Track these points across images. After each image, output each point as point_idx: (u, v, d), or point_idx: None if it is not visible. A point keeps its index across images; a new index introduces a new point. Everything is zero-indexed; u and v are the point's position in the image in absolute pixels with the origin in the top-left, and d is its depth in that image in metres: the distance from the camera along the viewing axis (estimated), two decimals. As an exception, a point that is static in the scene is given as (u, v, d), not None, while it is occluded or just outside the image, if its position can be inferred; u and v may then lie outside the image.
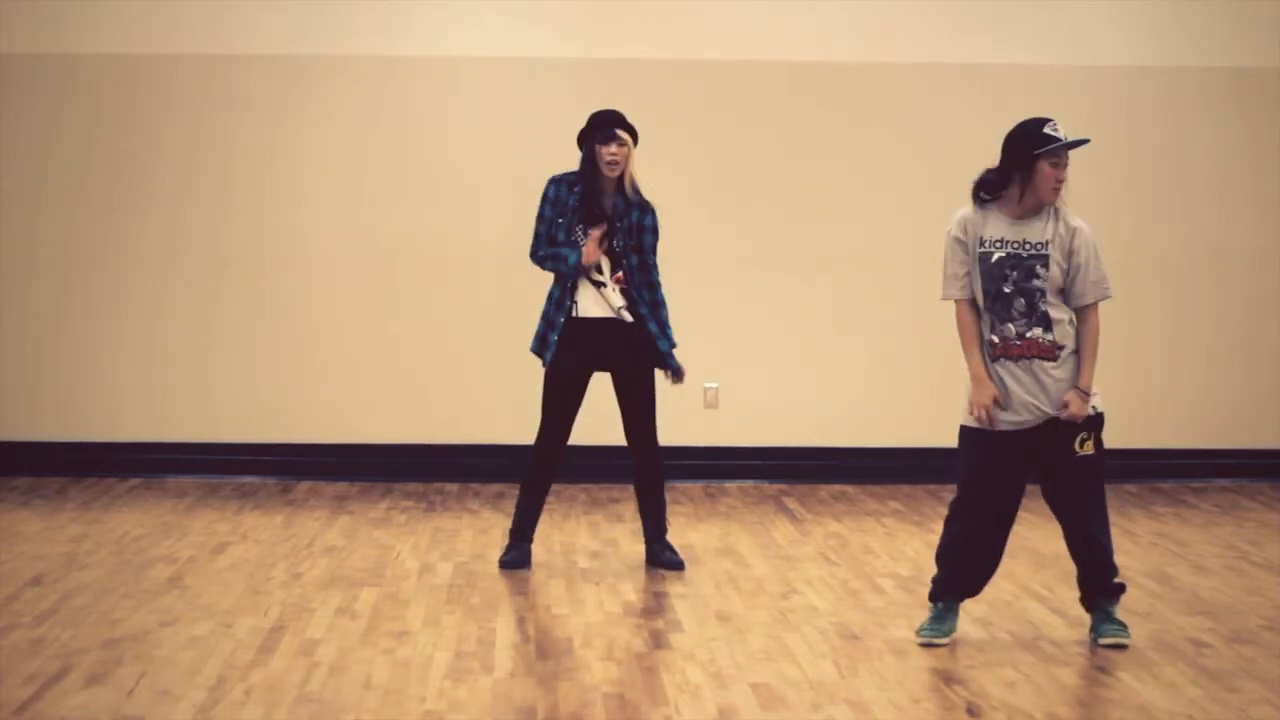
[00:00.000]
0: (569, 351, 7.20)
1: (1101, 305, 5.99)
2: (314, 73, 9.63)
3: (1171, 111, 9.85)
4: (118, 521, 8.30)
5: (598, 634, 6.17)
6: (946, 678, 5.65)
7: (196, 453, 9.64)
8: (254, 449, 9.66)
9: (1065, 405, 5.90)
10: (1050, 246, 5.91)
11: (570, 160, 7.29)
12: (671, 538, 7.48)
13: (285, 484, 9.46)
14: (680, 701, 5.32)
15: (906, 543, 7.98)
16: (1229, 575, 7.30)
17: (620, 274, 7.18)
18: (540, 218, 7.25)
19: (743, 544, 7.92)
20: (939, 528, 6.32)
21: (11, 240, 9.60)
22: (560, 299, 7.21)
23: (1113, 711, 5.34)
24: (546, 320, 7.25)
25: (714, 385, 9.75)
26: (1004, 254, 5.93)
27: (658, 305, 7.24)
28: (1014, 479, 6.02)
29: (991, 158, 6.03)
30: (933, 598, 6.15)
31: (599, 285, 7.18)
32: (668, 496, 7.54)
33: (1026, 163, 5.89)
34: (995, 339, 5.97)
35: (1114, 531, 6.21)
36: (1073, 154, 5.97)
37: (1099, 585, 6.10)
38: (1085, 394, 5.92)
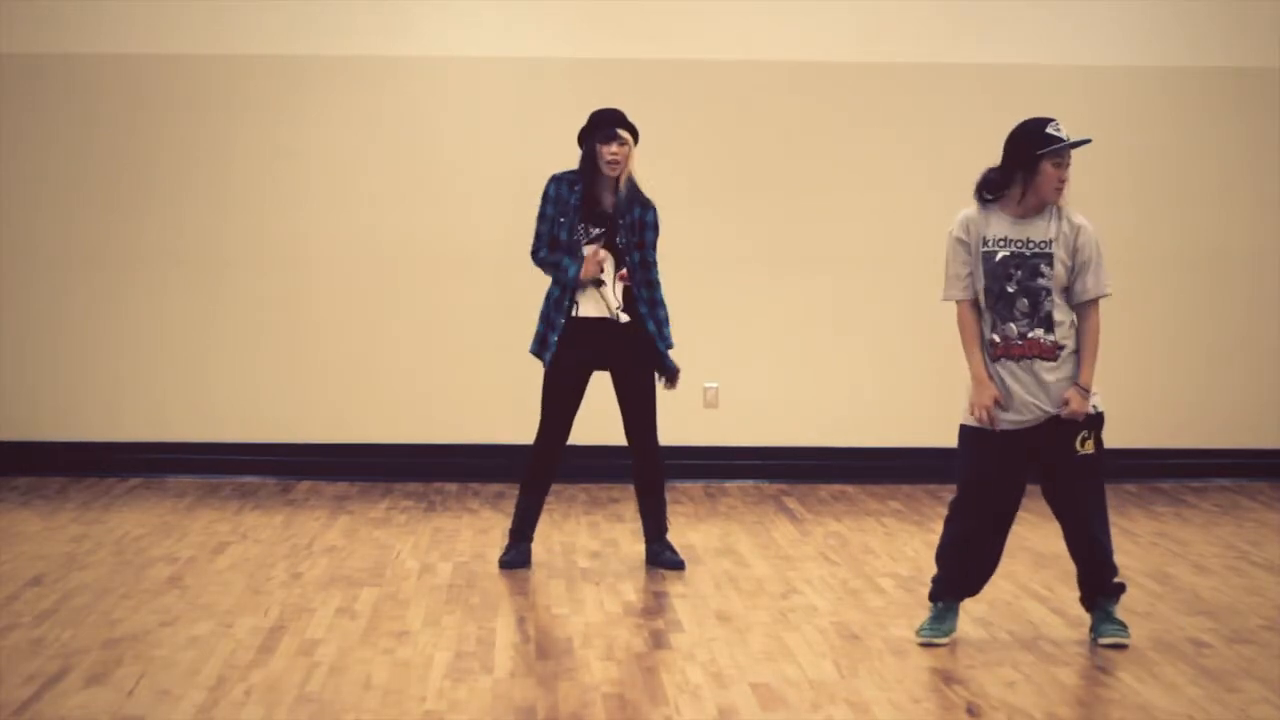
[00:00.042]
0: (569, 351, 7.20)
1: (1102, 304, 5.99)
2: (314, 73, 9.63)
3: (1171, 111, 9.85)
4: (118, 521, 8.30)
5: (598, 634, 6.17)
6: (946, 678, 5.65)
7: (196, 453, 9.64)
8: (254, 449, 9.67)
9: (1065, 402, 5.91)
10: (1054, 245, 5.91)
11: (570, 160, 7.29)
12: (671, 538, 7.48)
13: (285, 484, 9.46)
14: (680, 701, 5.32)
15: (906, 543, 7.98)
16: (1229, 575, 7.30)
17: (624, 271, 7.18)
18: (541, 217, 7.24)
19: (743, 544, 7.93)
20: (939, 528, 6.32)
21: (11, 240, 9.61)
22: (560, 299, 7.21)
23: (1113, 711, 5.34)
24: (546, 321, 7.25)
25: (714, 385, 9.75)
26: (1008, 253, 5.93)
27: (656, 304, 7.24)
28: (1014, 479, 6.02)
29: (991, 158, 6.03)
30: (933, 597, 6.15)
31: (599, 284, 7.17)
32: (668, 496, 7.54)
33: (1029, 163, 5.89)
34: (996, 338, 5.97)
35: (1114, 531, 6.21)
36: (1073, 153, 5.97)
37: (1099, 585, 6.10)
38: (1085, 391, 5.92)
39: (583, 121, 7.23)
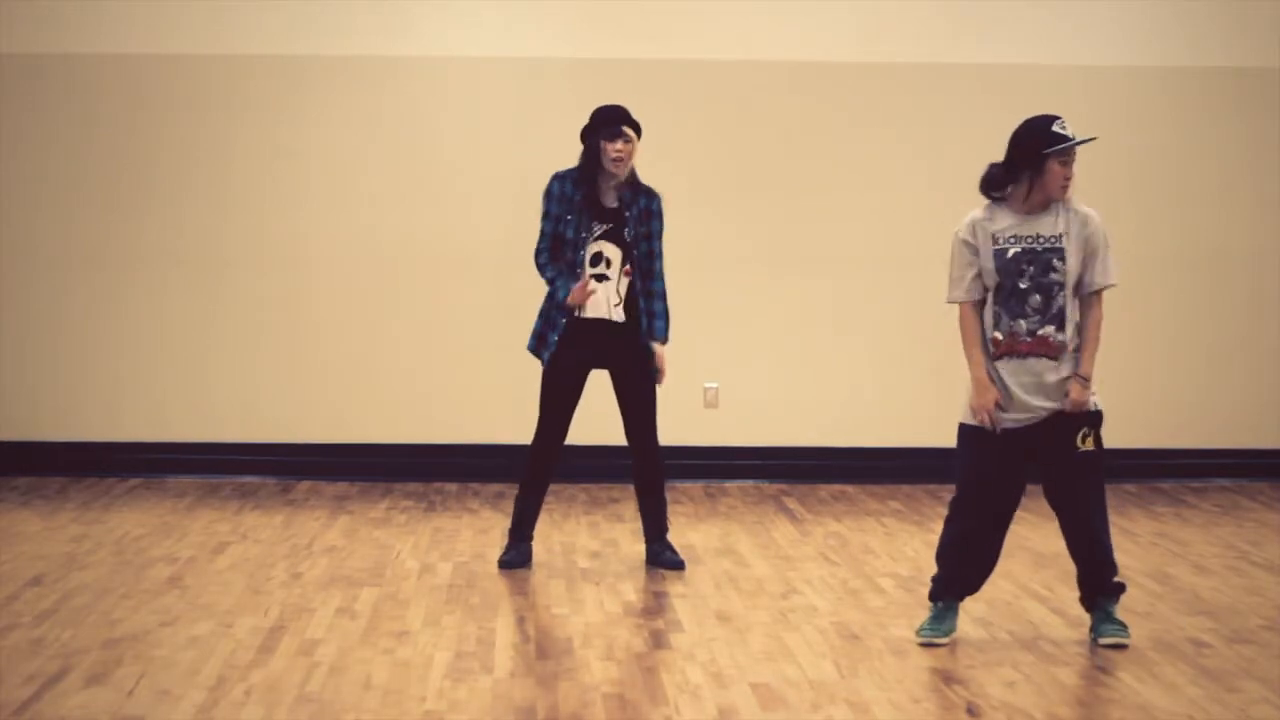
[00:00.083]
0: (568, 351, 7.19)
1: (1102, 304, 6.00)
2: (314, 73, 9.63)
3: (1171, 111, 9.86)
4: (118, 521, 8.30)
5: (598, 634, 6.17)
6: (946, 678, 5.65)
7: (196, 453, 9.64)
8: (254, 449, 9.67)
9: (1066, 394, 5.91)
10: (1065, 239, 5.92)
11: (570, 159, 7.28)
12: (671, 538, 7.48)
13: (285, 484, 9.46)
14: (680, 701, 5.32)
15: (906, 543, 7.98)
16: (1229, 575, 7.30)
17: (629, 266, 7.18)
18: (546, 216, 7.21)
19: (743, 544, 7.93)
20: (939, 528, 6.32)
21: (11, 240, 9.61)
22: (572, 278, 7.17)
23: (1113, 711, 5.34)
24: (546, 319, 7.23)
25: (714, 385, 9.75)
26: (1019, 249, 5.92)
27: (654, 296, 7.21)
28: (1014, 478, 6.02)
29: (991, 158, 6.03)
30: (933, 597, 6.15)
31: (603, 279, 7.16)
32: (668, 496, 7.54)
33: (1036, 161, 5.89)
34: (999, 335, 5.95)
35: (1114, 531, 6.21)
36: (1075, 151, 5.98)
37: (1099, 584, 6.10)
38: (1086, 381, 5.92)
39: (582, 121, 7.23)
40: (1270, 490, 9.58)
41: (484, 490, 9.29)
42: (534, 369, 7.34)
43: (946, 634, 6.08)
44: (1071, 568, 6.21)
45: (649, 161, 7.35)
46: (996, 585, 6.77)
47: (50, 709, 5.17)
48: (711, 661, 5.79)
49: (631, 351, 7.21)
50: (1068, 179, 5.93)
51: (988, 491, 6.03)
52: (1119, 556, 6.27)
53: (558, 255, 7.20)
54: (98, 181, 9.61)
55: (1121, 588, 6.13)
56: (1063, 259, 5.91)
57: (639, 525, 7.59)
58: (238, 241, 9.64)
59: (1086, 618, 6.19)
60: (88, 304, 9.65)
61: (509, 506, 7.77)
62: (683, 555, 7.40)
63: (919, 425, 9.49)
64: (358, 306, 9.68)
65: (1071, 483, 6.02)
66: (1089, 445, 5.96)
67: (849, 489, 9.50)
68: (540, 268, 7.23)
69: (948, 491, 6.39)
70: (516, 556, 7.33)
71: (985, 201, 6.05)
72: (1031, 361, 5.93)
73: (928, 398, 9.29)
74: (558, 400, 7.25)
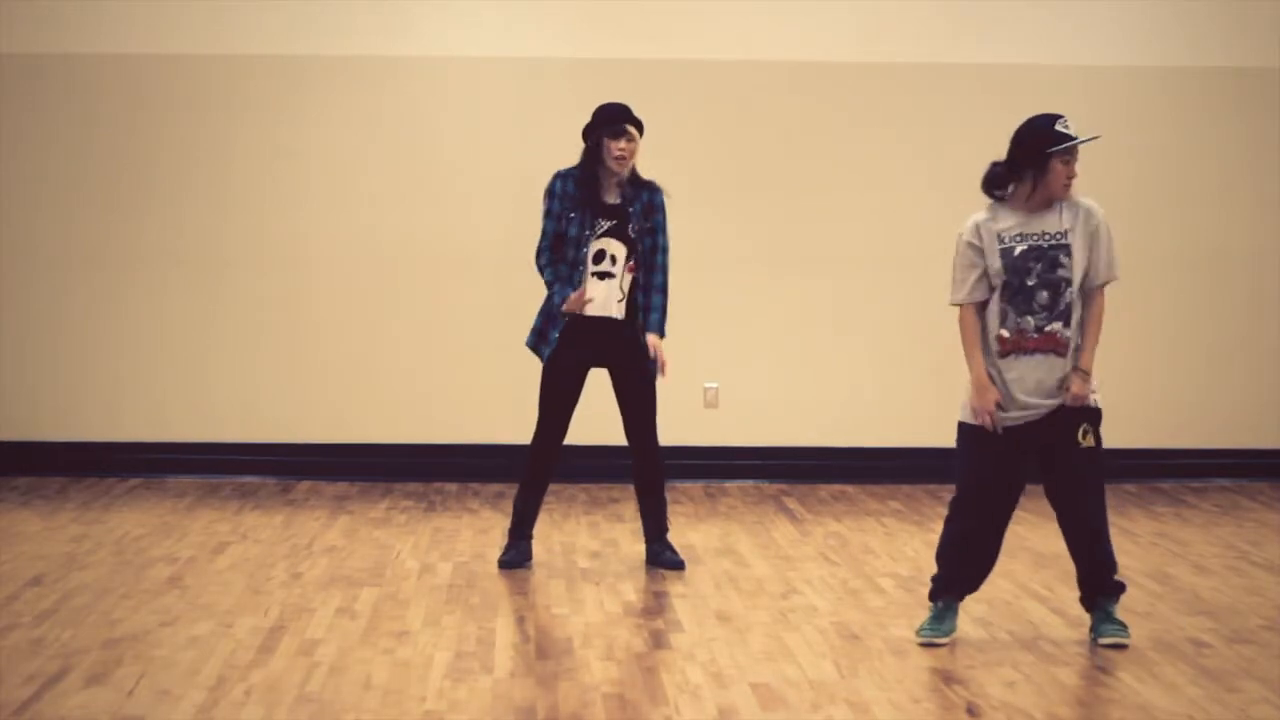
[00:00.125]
0: (568, 351, 7.19)
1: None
2: (314, 73, 9.63)
3: (1171, 111, 9.86)
4: (118, 521, 8.30)
5: (598, 634, 6.17)
6: (946, 678, 5.65)
7: (196, 453, 9.64)
8: (254, 449, 9.67)
9: (1066, 388, 5.91)
10: (1070, 234, 5.92)
11: (570, 159, 7.28)
12: (671, 538, 7.47)
13: (285, 484, 9.46)
14: (680, 701, 5.32)
15: (906, 543, 7.98)
16: (1229, 575, 7.30)
17: (633, 262, 7.18)
18: (548, 215, 7.21)
19: (743, 544, 7.92)
20: (939, 527, 6.32)
21: (11, 240, 9.61)
22: (571, 285, 7.17)
23: (1113, 711, 5.34)
24: (547, 316, 7.22)
25: (714, 385, 9.75)
26: (1025, 246, 5.93)
27: (652, 290, 7.19)
28: (1014, 476, 6.02)
29: (991, 157, 6.03)
30: (932, 597, 6.14)
31: (605, 277, 7.15)
32: (668, 496, 7.54)
33: (1039, 160, 5.89)
34: (1006, 333, 5.94)
35: (1114, 531, 6.20)
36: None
37: (1099, 583, 6.10)
38: (1086, 375, 5.92)
39: (582, 121, 7.23)
40: (1270, 490, 9.58)
41: (484, 490, 9.29)
42: (534, 369, 7.34)
43: (946, 634, 6.08)
44: (1071, 568, 6.21)
45: (649, 162, 7.35)
46: (996, 585, 6.77)
47: (50, 709, 5.17)
48: (711, 661, 5.79)
49: (631, 351, 7.21)
50: (1071, 178, 5.94)
51: (988, 491, 6.03)
52: (1119, 556, 6.27)
53: (559, 254, 7.19)
54: (98, 181, 9.61)
55: (1121, 587, 6.13)
56: (1069, 255, 5.91)
57: (639, 525, 7.59)
58: (238, 241, 9.64)
59: (1086, 618, 6.19)
60: (88, 304, 9.65)
61: (509, 506, 7.77)
62: (683, 555, 7.40)
63: (919, 425, 9.49)
64: (358, 306, 9.68)
65: (1072, 479, 6.01)
66: (1089, 442, 5.96)
67: (849, 489, 9.50)
68: (540, 269, 7.22)
69: (948, 491, 6.39)
70: (516, 556, 7.33)
71: (987, 202, 6.05)
72: (1039, 358, 5.93)
73: (928, 398, 9.29)
74: (557, 399, 7.25)
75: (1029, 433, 5.96)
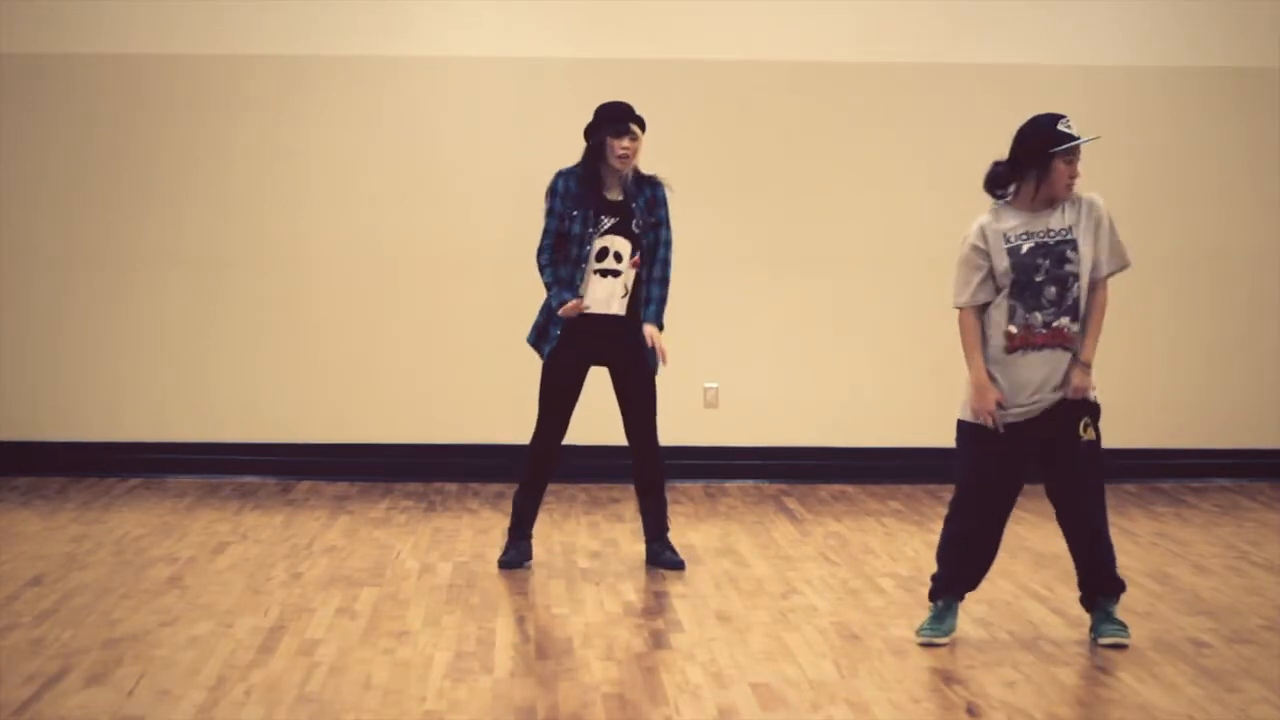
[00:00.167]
0: (568, 349, 7.19)
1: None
2: (314, 73, 9.63)
3: (1171, 111, 9.86)
4: (118, 521, 8.30)
5: (598, 634, 6.16)
6: (946, 678, 5.65)
7: (196, 453, 9.64)
8: (254, 449, 9.67)
9: (1067, 379, 5.91)
10: (1076, 230, 5.93)
11: (569, 159, 7.28)
12: (672, 538, 7.47)
13: (285, 484, 9.46)
14: (680, 701, 5.32)
15: (906, 543, 7.98)
16: (1229, 575, 7.30)
17: (637, 256, 7.18)
18: (550, 213, 7.20)
19: (743, 544, 7.92)
20: (939, 527, 6.31)
21: (11, 240, 9.61)
22: (570, 289, 7.16)
23: (1113, 711, 5.34)
24: (549, 313, 7.22)
25: (714, 385, 9.75)
26: (1032, 244, 5.93)
27: (653, 282, 7.19)
28: (1015, 472, 6.02)
29: (991, 157, 6.03)
30: (933, 596, 6.14)
31: (608, 274, 7.14)
32: (668, 496, 7.53)
33: (1042, 160, 5.90)
34: (1014, 329, 5.94)
35: (1114, 531, 6.20)
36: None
37: (1099, 581, 6.09)
38: (1087, 367, 5.92)
39: (582, 121, 7.23)
40: (1270, 490, 9.58)
41: (484, 490, 9.29)
42: (534, 369, 7.33)
43: (946, 634, 6.08)
44: (1071, 568, 6.21)
45: (650, 161, 7.34)
46: (996, 585, 6.77)
47: (50, 709, 5.17)
48: (711, 661, 5.79)
49: (632, 350, 7.20)
50: (1073, 177, 5.95)
51: (988, 490, 6.03)
52: (1119, 556, 6.26)
53: (562, 253, 7.18)
54: (98, 181, 9.61)
55: (1122, 585, 6.13)
56: (1076, 249, 5.92)
57: (639, 525, 7.59)
58: (238, 241, 9.64)
59: (1086, 618, 6.19)
60: (88, 304, 9.65)
61: (509, 506, 7.77)
62: (683, 555, 7.39)
63: (919, 425, 9.49)
64: (358, 306, 9.68)
65: (1073, 474, 6.01)
66: (1090, 435, 5.96)
67: (849, 489, 9.50)
68: (540, 268, 7.22)
69: (947, 491, 6.39)
70: (516, 555, 7.33)
71: (989, 203, 6.06)
72: (1046, 353, 5.93)
73: (928, 398, 9.29)
74: (557, 398, 7.25)
75: (1030, 428, 5.96)
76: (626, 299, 7.19)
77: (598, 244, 7.15)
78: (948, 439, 6.18)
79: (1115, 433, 6.35)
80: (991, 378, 5.96)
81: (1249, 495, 9.43)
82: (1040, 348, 5.93)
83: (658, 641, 6.08)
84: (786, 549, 7.81)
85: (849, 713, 5.23)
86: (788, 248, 9.74)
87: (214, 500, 8.95)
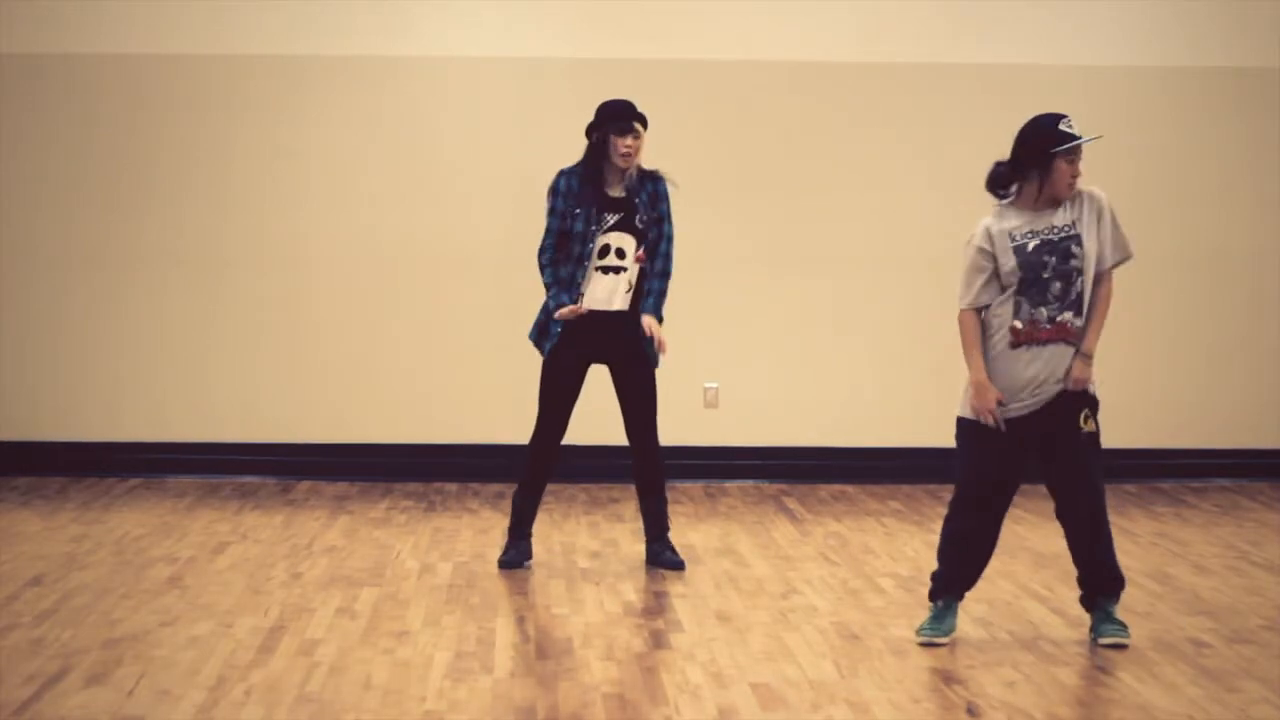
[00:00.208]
0: (568, 348, 7.18)
1: (1102, 305, 6.02)
2: (314, 73, 9.63)
3: (1171, 111, 9.86)
4: (118, 521, 8.30)
5: (598, 634, 6.16)
6: (946, 678, 5.65)
7: (196, 453, 9.64)
8: (254, 449, 9.67)
9: (1067, 371, 5.92)
10: (1079, 225, 5.94)
11: (570, 159, 7.28)
12: (672, 538, 7.47)
13: (285, 484, 9.46)
14: (680, 701, 5.32)
15: (906, 543, 7.98)
16: (1229, 575, 7.30)
17: (642, 251, 7.18)
18: (552, 212, 7.20)
19: (743, 544, 7.92)
20: (939, 527, 6.31)
21: (11, 240, 9.61)
22: (569, 290, 7.16)
23: (1113, 711, 5.34)
24: (548, 310, 7.21)
25: (714, 385, 9.75)
26: (1038, 241, 5.94)
27: (653, 275, 7.17)
28: (1015, 470, 6.02)
29: (992, 157, 6.04)
30: (933, 596, 6.14)
31: (611, 271, 7.14)
32: (668, 496, 7.53)
33: (1043, 160, 5.90)
34: (1019, 324, 5.94)
35: (1114, 531, 6.20)
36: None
37: (1099, 579, 6.09)
38: (1088, 358, 5.93)
39: (583, 120, 7.23)
40: (1270, 490, 9.58)
41: (484, 490, 9.29)
42: (534, 368, 7.33)
43: (946, 634, 6.08)
44: (1071, 568, 6.21)
45: (650, 161, 7.34)
46: (996, 585, 6.77)
47: (50, 709, 5.17)
48: (711, 661, 5.79)
49: (632, 345, 7.20)
50: (1075, 177, 5.95)
51: (988, 487, 6.03)
52: (1119, 556, 6.26)
53: (564, 251, 7.18)
54: (98, 181, 9.61)
55: (1122, 582, 6.13)
56: (1080, 245, 5.93)
57: (639, 525, 7.59)
58: (238, 241, 9.64)
59: (1086, 618, 6.19)
60: (88, 304, 9.65)
61: (509, 506, 7.77)
62: (683, 555, 7.39)
63: (919, 425, 9.49)
64: (358, 306, 9.68)
65: (1073, 467, 6.00)
66: (1090, 426, 5.97)
67: (849, 489, 9.50)
68: (541, 268, 7.21)
69: (947, 491, 6.39)
70: (516, 555, 7.33)
71: (990, 204, 6.06)
72: (1051, 348, 5.93)
73: (928, 398, 9.29)
74: (557, 397, 7.25)
75: (1030, 422, 5.96)
76: (630, 294, 7.18)
77: (600, 241, 7.15)
78: (948, 439, 6.19)
79: (1115, 432, 6.35)
80: (992, 376, 5.96)
81: (1249, 495, 9.43)
82: (1045, 343, 5.94)
83: (658, 641, 6.08)
84: (786, 549, 7.81)
85: (849, 713, 5.23)
86: (788, 248, 9.74)
87: (214, 500, 8.95)
